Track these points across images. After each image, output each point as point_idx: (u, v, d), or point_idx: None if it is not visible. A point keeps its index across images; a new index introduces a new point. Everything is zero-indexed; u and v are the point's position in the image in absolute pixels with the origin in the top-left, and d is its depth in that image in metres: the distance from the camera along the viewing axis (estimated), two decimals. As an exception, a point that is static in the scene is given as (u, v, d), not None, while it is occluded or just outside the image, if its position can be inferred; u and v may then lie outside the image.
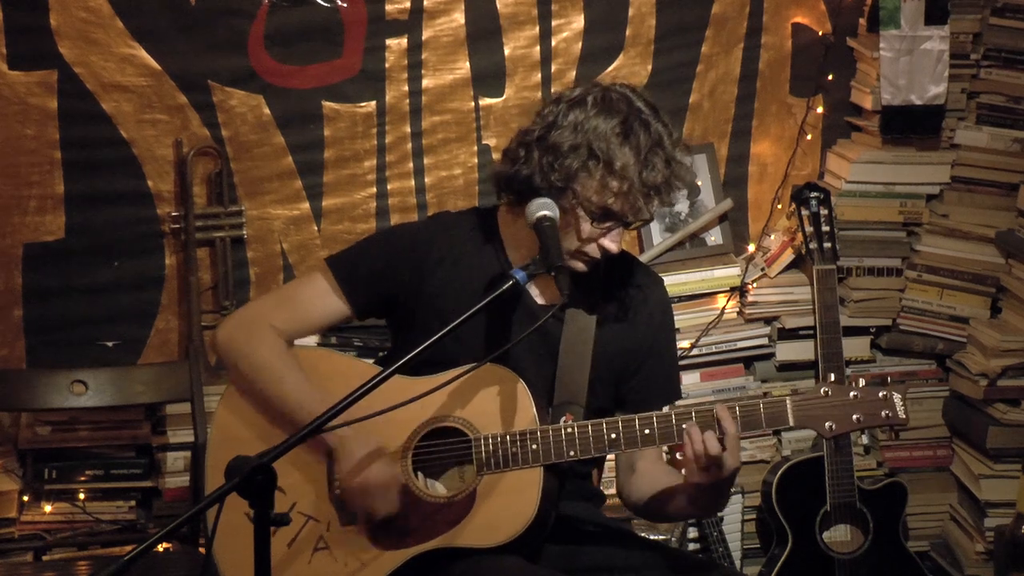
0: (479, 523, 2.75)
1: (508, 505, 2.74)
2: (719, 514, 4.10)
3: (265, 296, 3.24)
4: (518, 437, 2.75)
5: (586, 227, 2.76)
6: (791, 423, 2.73)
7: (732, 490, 2.85)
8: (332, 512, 2.82)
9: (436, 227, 2.97)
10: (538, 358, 2.86)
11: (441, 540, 2.76)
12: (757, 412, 2.73)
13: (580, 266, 2.81)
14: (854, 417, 2.71)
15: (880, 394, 2.72)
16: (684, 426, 2.69)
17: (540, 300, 2.87)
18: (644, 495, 2.92)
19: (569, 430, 2.74)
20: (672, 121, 2.81)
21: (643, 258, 4.14)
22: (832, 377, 2.74)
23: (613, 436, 2.73)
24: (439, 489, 2.82)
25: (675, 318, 3.09)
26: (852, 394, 2.71)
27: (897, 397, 2.72)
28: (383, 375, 2.51)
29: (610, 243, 2.78)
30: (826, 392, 2.72)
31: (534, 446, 2.74)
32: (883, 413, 2.72)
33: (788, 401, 2.72)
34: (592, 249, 2.79)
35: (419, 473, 2.81)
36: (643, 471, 2.92)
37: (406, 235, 3.00)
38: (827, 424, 2.71)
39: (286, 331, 2.91)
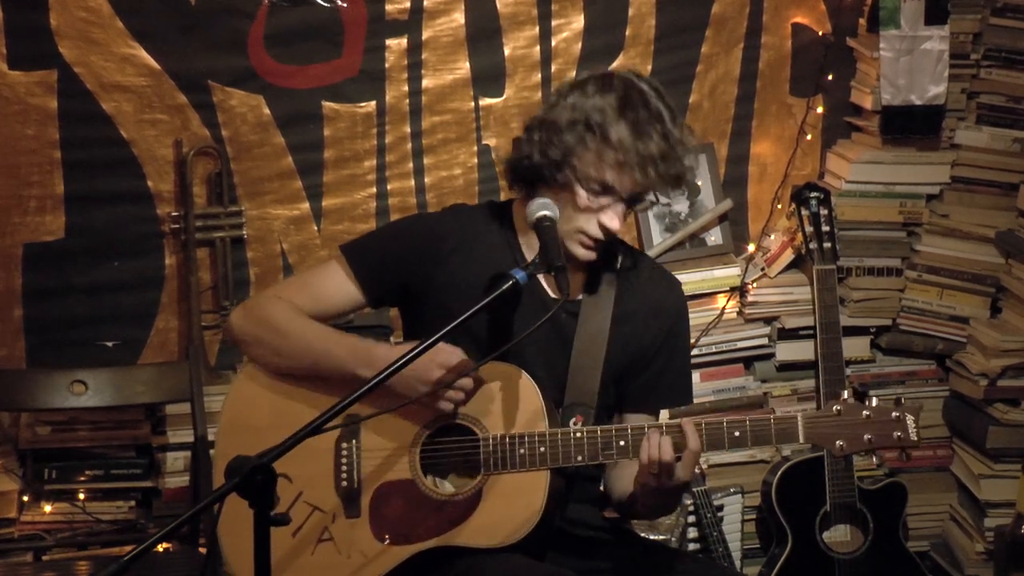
0: (483, 523, 2.74)
1: (513, 506, 2.74)
2: (719, 514, 4.11)
3: (278, 283, 3.24)
4: (526, 439, 2.74)
5: (584, 203, 2.75)
6: (801, 440, 2.72)
7: (683, 500, 2.82)
8: (338, 504, 2.82)
9: (452, 218, 2.97)
10: (550, 355, 2.85)
11: (444, 538, 2.76)
12: (768, 429, 2.72)
13: (582, 251, 2.80)
14: (865, 437, 2.69)
15: (893, 415, 2.69)
16: (647, 429, 2.70)
17: (552, 293, 2.85)
18: (618, 490, 2.92)
19: (578, 435, 2.74)
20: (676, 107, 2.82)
21: (643, 258, 4.15)
22: (845, 395, 2.73)
23: (622, 443, 2.73)
24: (446, 486, 2.82)
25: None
26: (864, 414, 2.69)
27: (910, 419, 2.70)
28: (387, 371, 2.51)
29: (609, 220, 2.77)
30: (838, 411, 2.70)
31: (542, 448, 2.74)
32: (895, 434, 2.69)
33: (799, 418, 2.71)
34: (592, 228, 2.77)
35: (427, 471, 2.82)
36: (624, 464, 2.90)
37: (422, 224, 3.00)
38: (838, 443, 2.69)
39: (300, 309, 2.91)
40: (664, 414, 2.97)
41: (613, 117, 2.71)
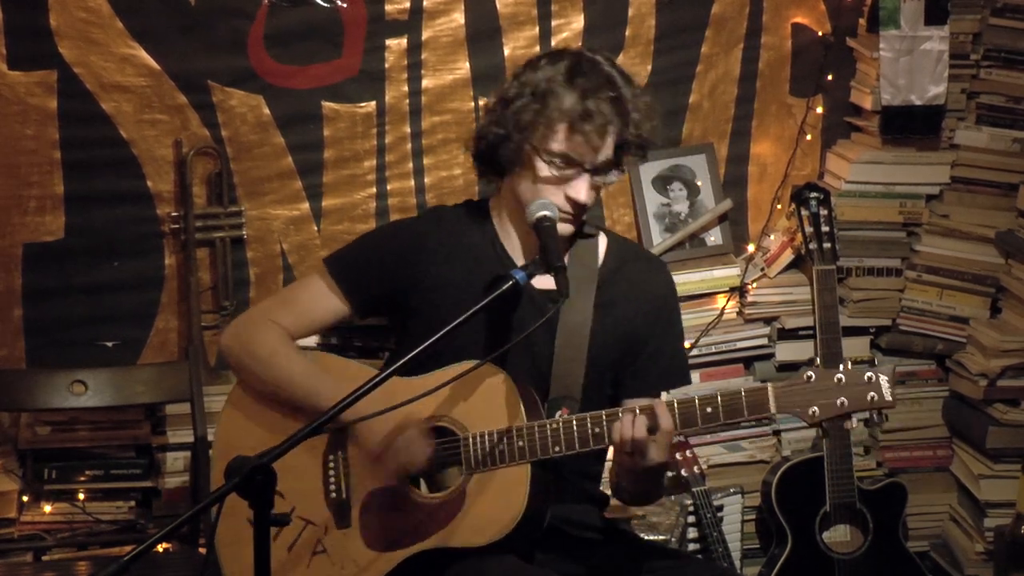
0: (470, 522, 2.75)
1: (497, 503, 2.74)
2: (719, 514, 4.10)
3: (265, 300, 3.27)
4: (505, 434, 2.74)
5: (544, 174, 2.75)
6: (773, 410, 2.67)
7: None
8: (329, 516, 2.83)
9: (431, 220, 2.99)
10: (535, 349, 2.86)
11: (434, 540, 2.76)
12: (739, 401, 2.69)
13: (560, 225, 2.78)
14: (839, 401, 2.63)
15: (866, 376, 2.64)
16: (621, 409, 2.69)
17: (540, 286, 2.83)
18: (611, 477, 2.93)
19: (554, 426, 2.73)
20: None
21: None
22: (817, 361, 2.69)
23: (596, 431, 2.72)
24: (433, 489, 2.82)
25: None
26: (836, 377, 2.64)
27: (884, 379, 2.63)
28: (376, 380, 2.51)
29: (575, 192, 2.76)
30: (809, 377, 2.65)
31: (520, 443, 2.73)
32: (869, 396, 2.63)
33: (770, 388, 2.67)
34: (561, 202, 2.77)
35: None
36: None
37: (402, 230, 3.01)
38: (811, 410, 2.64)
39: (288, 331, 2.92)
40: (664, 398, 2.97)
41: (562, 85, 2.72)
